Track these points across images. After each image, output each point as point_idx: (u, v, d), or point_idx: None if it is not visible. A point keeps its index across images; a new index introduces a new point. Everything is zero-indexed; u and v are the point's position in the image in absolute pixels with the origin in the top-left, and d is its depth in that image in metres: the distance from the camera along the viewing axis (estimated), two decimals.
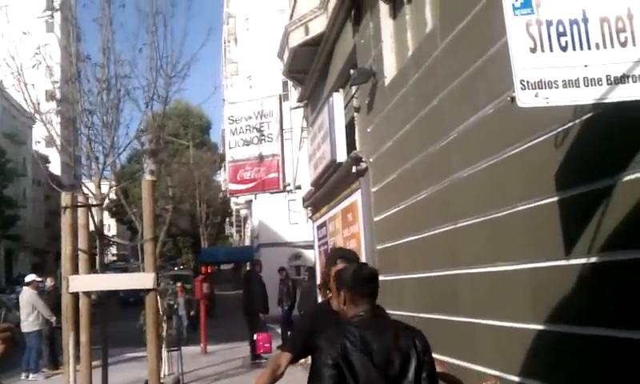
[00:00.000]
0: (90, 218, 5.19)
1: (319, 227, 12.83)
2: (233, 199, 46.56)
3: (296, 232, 33.48)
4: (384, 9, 7.74)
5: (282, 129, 14.80)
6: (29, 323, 12.72)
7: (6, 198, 43.35)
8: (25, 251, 61.97)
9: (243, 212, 48.24)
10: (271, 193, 16.37)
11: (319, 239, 12.95)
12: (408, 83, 6.59)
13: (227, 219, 57.22)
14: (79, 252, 4.90)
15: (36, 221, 67.63)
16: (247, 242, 48.18)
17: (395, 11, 7.64)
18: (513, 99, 4.18)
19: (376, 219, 8.29)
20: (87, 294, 4.98)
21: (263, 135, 14.72)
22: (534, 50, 3.10)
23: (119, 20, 8.79)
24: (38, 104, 7.93)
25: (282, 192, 16.15)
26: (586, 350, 3.78)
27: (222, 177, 52.80)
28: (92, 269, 5.30)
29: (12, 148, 54.15)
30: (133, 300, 20.87)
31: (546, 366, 4.26)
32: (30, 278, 13.70)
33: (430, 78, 6.01)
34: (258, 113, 14.88)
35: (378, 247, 8.23)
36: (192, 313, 18.23)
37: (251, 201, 36.45)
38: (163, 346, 11.24)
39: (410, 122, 6.53)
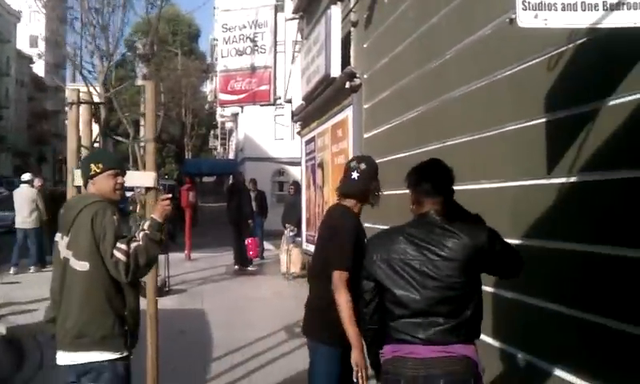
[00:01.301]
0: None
1: (307, 142, 12.99)
2: (219, 111, 46.30)
3: (281, 148, 33.52)
4: None
5: (275, 40, 14.69)
6: (31, 221, 13.01)
7: None
8: (6, 152, 61.65)
9: (228, 125, 48.02)
10: (261, 105, 16.39)
11: (307, 154, 13.14)
12: None
13: (212, 132, 56.96)
14: (82, 148, 5.03)
15: (19, 122, 67.05)
16: (231, 156, 48.21)
17: None
18: (511, 21, 4.30)
19: (366, 136, 8.45)
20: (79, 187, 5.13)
21: (256, 46, 14.62)
22: None
23: None
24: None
25: (272, 105, 16.19)
26: (559, 262, 4.07)
27: (208, 88, 52.20)
28: None
29: None
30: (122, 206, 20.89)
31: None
32: (27, 176, 13.78)
33: None
34: (253, 22, 14.70)
35: None
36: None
37: (237, 114, 36.24)
38: None
39: (408, 39, 6.62)
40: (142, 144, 8.53)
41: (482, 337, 4.86)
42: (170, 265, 11.77)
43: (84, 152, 5.11)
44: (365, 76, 8.43)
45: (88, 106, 5.18)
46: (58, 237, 3.47)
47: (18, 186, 13.92)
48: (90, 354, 3.27)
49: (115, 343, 3.29)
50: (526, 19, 3.20)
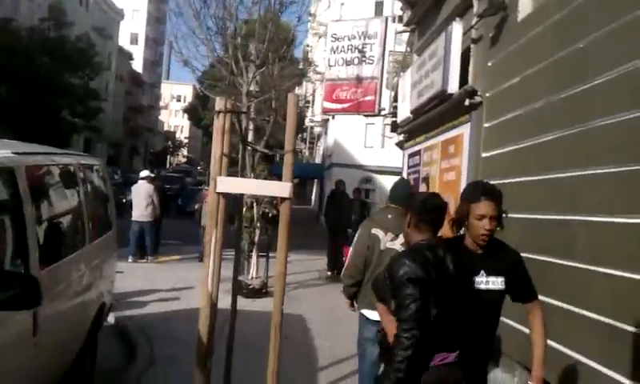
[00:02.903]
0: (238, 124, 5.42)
1: (411, 155, 12.85)
2: (308, 116, 46.78)
3: (370, 156, 33.50)
4: None
5: (384, 52, 14.66)
6: (147, 214, 14.19)
7: (92, 91, 44.77)
8: (102, 143, 64.52)
9: (317, 130, 48.49)
10: (366, 115, 16.42)
11: (409, 167, 13.00)
12: (548, 21, 6.40)
13: (299, 135, 57.69)
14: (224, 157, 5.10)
15: (115, 115, 70.09)
16: (317, 160, 48.61)
17: None
18: None
19: (484, 155, 8.25)
20: (224, 195, 5.24)
21: (364, 56, 14.64)
22: None
23: None
24: None
25: (376, 115, 16.18)
26: None
27: (298, 92, 52.79)
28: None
29: (99, 41, 55.58)
30: (189, 210, 21.54)
31: None
32: (145, 173, 15.16)
33: (576, 19, 5.82)
34: (362, 33, 14.73)
35: None
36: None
37: (327, 120, 36.50)
38: (254, 250, 11.78)
39: (545, 62, 6.39)
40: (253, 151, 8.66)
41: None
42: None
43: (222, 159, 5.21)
44: (487, 94, 8.23)
45: (230, 115, 5.28)
46: (378, 232, 4.93)
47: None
48: None
49: None
50: None
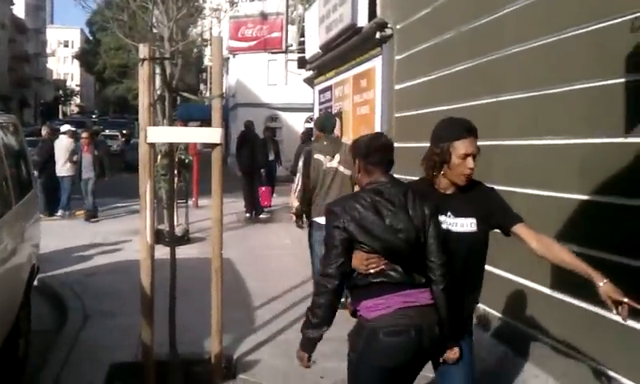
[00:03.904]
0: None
1: (322, 91, 12.96)
2: (207, 55, 45.58)
3: (274, 93, 33.13)
4: None
5: None
6: (67, 169, 14.02)
7: None
8: None
9: None
10: (272, 52, 16.26)
11: (321, 103, 13.12)
12: None
13: (199, 76, 56.29)
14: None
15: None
16: None
17: None
18: None
19: (397, 87, 8.47)
20: (152, 145, 5.19)
21: None
22: None
23: None
24: None
25: (284, 52, 16.04)
26: (634, 220, 4.18)
27: (193, 31, 51.22)
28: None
29: None
30: None
31: (585, 232, 4.67)
32: (66, 127, 14.98)
33: None
34: None
35: (397, 115, 8.48)
36: (106, 178, 14.87)
37: (228, 58, 35.71)
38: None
39: None
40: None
41: (538, 286, 5.00)
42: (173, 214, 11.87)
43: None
44: (397, 26, 8.39)
45: (151, 62, 5.15)
46: (320, 157, 6.23)
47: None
48: None
49: None
50: None
